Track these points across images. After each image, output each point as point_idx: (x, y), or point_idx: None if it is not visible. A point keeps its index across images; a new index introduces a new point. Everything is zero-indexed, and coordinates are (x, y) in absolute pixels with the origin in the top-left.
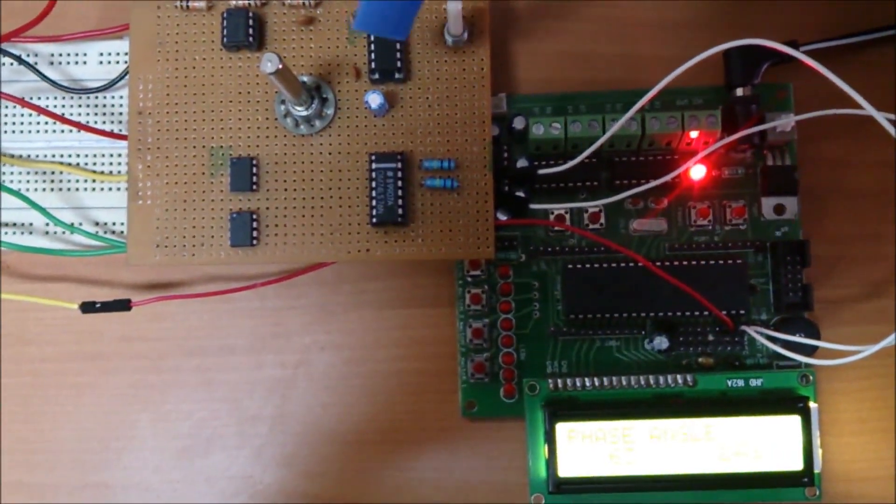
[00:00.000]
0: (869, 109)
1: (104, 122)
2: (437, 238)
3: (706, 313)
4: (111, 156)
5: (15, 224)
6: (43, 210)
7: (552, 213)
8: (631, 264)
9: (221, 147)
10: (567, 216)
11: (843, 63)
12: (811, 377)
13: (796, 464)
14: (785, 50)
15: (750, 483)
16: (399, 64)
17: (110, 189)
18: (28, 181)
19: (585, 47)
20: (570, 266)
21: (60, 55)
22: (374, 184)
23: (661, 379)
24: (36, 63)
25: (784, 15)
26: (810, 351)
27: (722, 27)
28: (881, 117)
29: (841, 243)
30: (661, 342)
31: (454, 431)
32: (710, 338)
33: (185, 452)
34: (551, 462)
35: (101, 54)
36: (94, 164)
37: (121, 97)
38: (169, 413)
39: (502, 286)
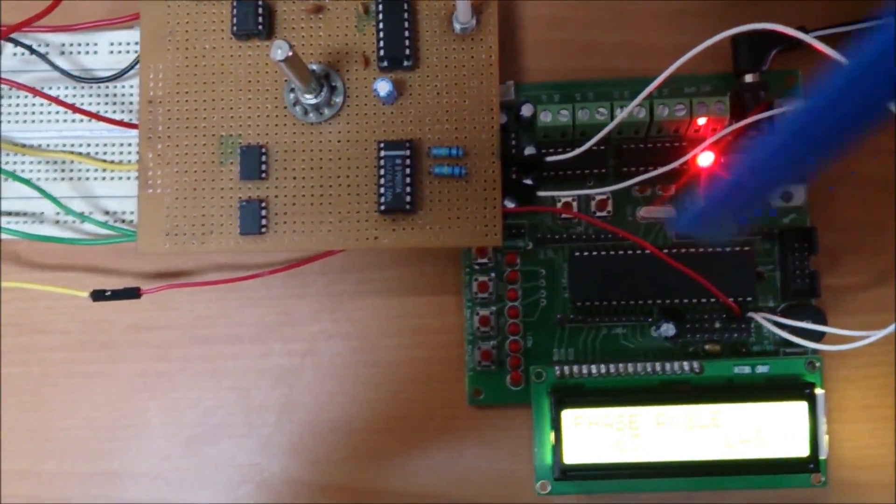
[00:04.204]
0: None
1: (115, 112)
2: (444, 225)
3: (713, 300)
4: (122, 145)
5: (26, 213)
6: (54, 199)
7: (559, 200)
8: (638, 251)
9: (231, 135)
10: (574, 203)
11: (846, 50)
12: (818, 364)
13: (802, 450)
14: (795, 34)
15: (756, 469)
16: (407, 52)
17: (121, 178)
18: (39, 170)
19: (593, 35)
20: (577, 253)
21: (71, 45)
22: (382, 171)
23: (668, 366)
24: (47, 53)
25: (790, 3)
26: (817, 337)
27: (729, 15)
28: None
29: (848, 231)
30: (668, 329)
31: (461, 419)
32: (717, 325)
33: (193, 440)
34: (557, 449)
35: (112, 44)
36: (105, 153)
37: (131, 86)
38: (177, 401)
39: (509, 274)
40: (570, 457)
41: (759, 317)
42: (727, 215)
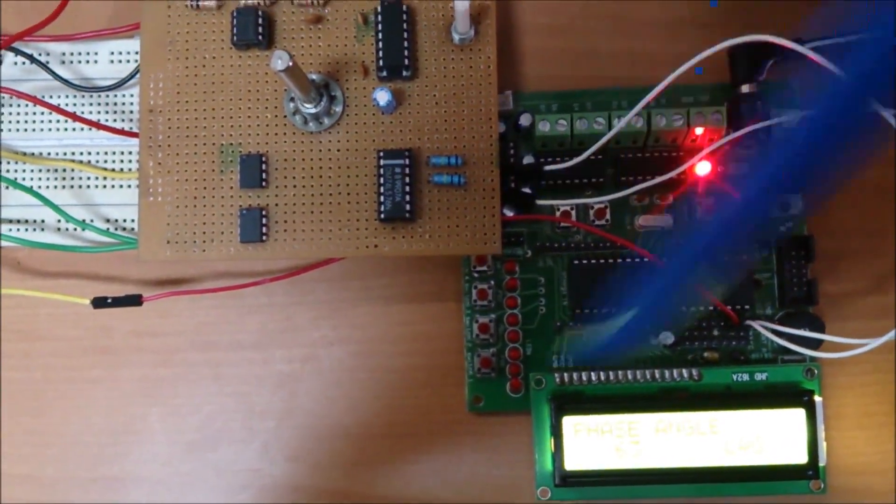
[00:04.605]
0: (874, 105)
1: (115, 121)
2: (444, 234)
3: (711, 308)
4: (122, 153)
5: (27, 221)
6: (55, 207)
7: (558, 209)
8: (637, 260)
9: (231, 144)
10: (573, 212)
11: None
12: (816, 371)
13: (801, 457)
14: (791, 46)
15: (755, 476)
16: (406, 61)
17: (121, 186)
18: (40, 178)
19: (591, 45)
20: (575, 262)
21: (72, 54)
22: (382, 180)
23: (667, 373)
24: (48, 62)
25: (787, 14)
26: (815, 345)
27: (726, 26)
28: (888, 112)
29: (845, 238)
30: (667, 337)
31: (460, 426)
32: (716, 333)
33: (194, 446)
34: (557, 455)
35: (112, 53)
36: (106, 161)
37: (132, 95)
38: (178, 407)
39: (508, 282)
40: (571, 463)
41: (757, 325)
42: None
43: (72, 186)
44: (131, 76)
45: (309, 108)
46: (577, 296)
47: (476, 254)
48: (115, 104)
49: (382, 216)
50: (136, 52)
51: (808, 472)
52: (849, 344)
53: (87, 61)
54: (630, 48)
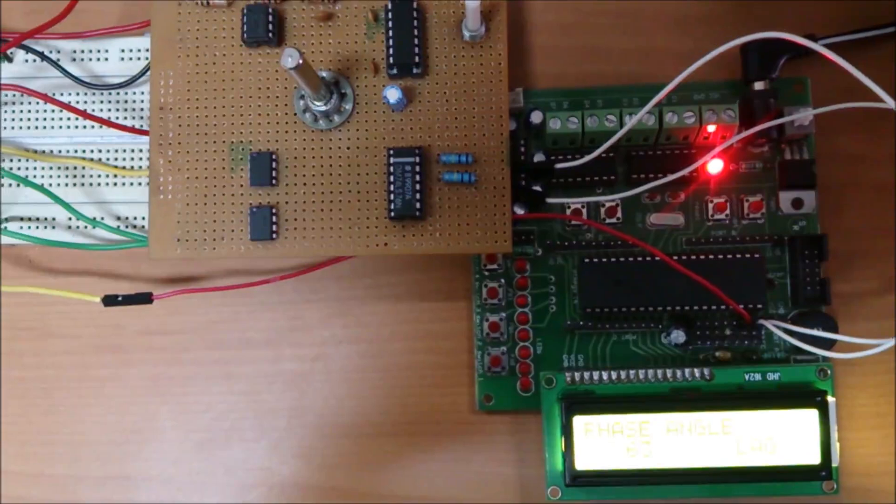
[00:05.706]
0: (890, 102)
1: (126, 118)
2: (454, 232)
3: (723, 307)
4: (133, 151)
5: (38, 218)
6: (66, 205)
7: (569, 207)
8: (648, 258)
9: (241, 142)
10: (584, 210)
11: (855, 58)
12: (829, 371)
13: (814, 458)
14: (804, 43)
15: (767, 477)
16: (417, 59)
17: (132, 184)
18: (51, 176)
19: (602, 42)
20: (586, 260)
21: (82, 52)
22: (392, 178)
23: (679, 373)
24: (58, 59)
25: (798, 11)
26: (828, 345)
27: (737, 22)
28: (888, 99)
29: (858, 238)
30: (679, 336)
31: (470, 425)
32: (728, 332)
33: (204, 444)
34: (568, 455)
35: (123, 51)
36: (116, 159)
37: (142, 93)
38: (189, 405)
39: (519, 280)
40: (581, 463)
41: (769, 324)
42: None
43: (82, 184)
44: (142, 74)
45: (319, 106)
46: (588, 294)
47: (486, 252)
48: (126, 102)
49: (392, 214)
50: (147, 50)
51: (821, 472)
52: (862, 344)
53: (98, 59)
54: (641, 46)
